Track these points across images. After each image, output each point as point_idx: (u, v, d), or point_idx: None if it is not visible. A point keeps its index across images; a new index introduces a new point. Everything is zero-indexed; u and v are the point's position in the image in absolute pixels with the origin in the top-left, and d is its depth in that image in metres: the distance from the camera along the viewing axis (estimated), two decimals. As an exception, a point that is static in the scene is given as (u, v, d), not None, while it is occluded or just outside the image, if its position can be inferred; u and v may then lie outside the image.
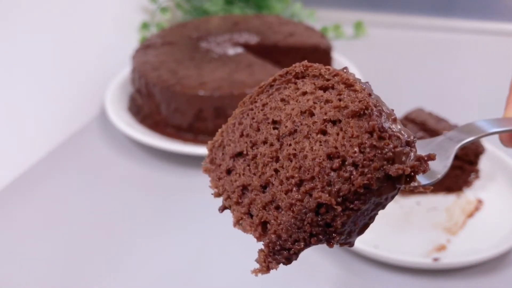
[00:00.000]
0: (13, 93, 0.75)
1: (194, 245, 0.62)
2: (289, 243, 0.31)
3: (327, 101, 0.32)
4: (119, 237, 0.64)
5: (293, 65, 0.36)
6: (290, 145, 0.32)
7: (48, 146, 0.81)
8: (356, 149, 0.29)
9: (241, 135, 0.35)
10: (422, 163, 0.30)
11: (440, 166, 0.35)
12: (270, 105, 0.35)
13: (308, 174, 0.30)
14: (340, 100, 0.32)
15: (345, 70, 0.34)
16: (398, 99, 0.91)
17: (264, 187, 0.32)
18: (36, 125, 0.79)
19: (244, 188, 0.34)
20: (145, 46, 0.89)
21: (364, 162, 0.29)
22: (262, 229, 0.32)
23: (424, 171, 0.30)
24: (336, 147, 0.30)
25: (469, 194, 0.66)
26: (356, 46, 1.12)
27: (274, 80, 0.36)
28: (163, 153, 0.78)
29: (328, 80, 0.34)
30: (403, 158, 0.29)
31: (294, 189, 0.31)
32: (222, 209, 0.35)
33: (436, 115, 0.69)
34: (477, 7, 1.18)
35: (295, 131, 0.33)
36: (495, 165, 0.69)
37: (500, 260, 0.58)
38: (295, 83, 0.35)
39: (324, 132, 0.31)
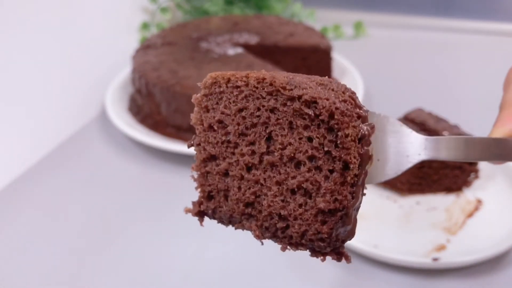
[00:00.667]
0: (13, 93, 0.75)
1: (194, 245, 0.62)
2: (218, 219, 0.36)
3: (317, 169, 0.31)
4: (119, 236, 0.64)
5: (325, 103, 0.30)
6: (265, 172, 0.33)
7: (48, 146, 0.81)
8: (301, 230, 0.32)
9: (239, 112, 0.33)
10: (341, 259, 0.33)
11: (392, 170, 0.33)
12: (277, 116, 0.32)
13: (259, 206, 0.33)
14: (325, 178, 0.31)
15: (364, 137, 0.31)
16: (398, 99, 0.91)
17: (226, 174, 0.34)
18: (36, 125, 0.79)
19: (213, 158, 0.35)
20: (145, 46, 0.89)
21: (296, 242, 0.33)
22: (207, 196, 0.35)
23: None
24: (290, 214, 0.32)
25: (469, 194, 0.66)
26: (356, 46, 1.12)
27: (300, 98, 0.31)
28: (163, 153, 0.78)
29: (336, 146, 0.31)
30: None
31: (242, 204, 0.34)
32: (189, 145, 0.36)
33: (435, 115, 0.69)
34: (477, 7, 1.18)
35: (276, 167, 0.33)
36: (494, 165, 0.69)
37: (499, 259, 0.58)
38: (312, 120, 0.31)
39: (293, 193, 0.32)
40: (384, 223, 0.62)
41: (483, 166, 0.68)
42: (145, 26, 1.07)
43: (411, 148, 0.33)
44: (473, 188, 0.67)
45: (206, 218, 0.36)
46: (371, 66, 0.99)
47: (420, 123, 0.67)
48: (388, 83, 0.98)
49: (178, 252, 0.62)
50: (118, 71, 0.94)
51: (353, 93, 0.33)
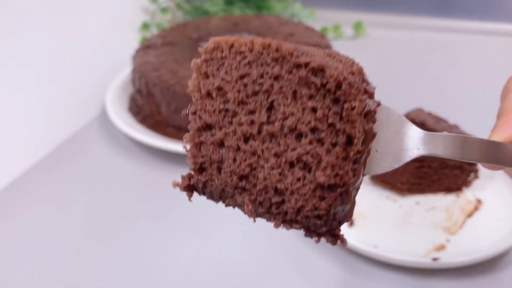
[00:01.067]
0: (13, 93, 0.75)
1: (193, 244, 0.62)
2: (208, 194, 0.33)
3: (318, 141, 0.30)
4: (119, 236, 0.64)
5: (333, 71, 0.29)
6: (263, 143, 0.31)
7: (48, 146, 0.81)
8: (297, 205, 0.30)
9: (241, 78, 0.32)
10: (335, 241, 0.31)
11: (389, 162, 0.32)
12: (281, 84, 0.31)
13: (253, 180, 0.31)
14: (327, 152, 0.29)
15: (370, 113, 0.30)
16: (398, 99, 0.91)
17: (222, 145, 0.32)
18: (36, 125, 0.79)
19: (208, 127, 0.33)
20: (145, 47, 0.89)
21: (291, 219, 0.31)
22: (199, 169, 0.33)
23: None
24: (286, 188, 0.31)
25: (469, 194, 0.66)
26: (356, 46, 1.12)
27: (306, 65, 0.30)
28: (163, 153, 0.78)
29: (341, 118, 0.29)
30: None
31: (237, 177, 0.32)
32: (184, 114, 0.34)
33: (435, 115, 0.69)
34: (477, 7, 1.18)
35: (275, 138, 0.31)
36: (490, 170, 0.69)
37: (499, 259, 0.58)
38: (317, 90, 0.30)
39: (292, 165, 0.31)
40: (384, 223, 0.62)
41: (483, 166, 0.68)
42: (145, 26, 1.07)
43: (410, 142, 0.33)
44: (473, 188, 0.67)
45: (195, 195, 0.35)
46: (370, 66, 0.98)
47: (420, 123, 0.67)
48: (388, 83, 0.97)
49: (178, 252, 0.62)
50: (118, 71, 0.94)
51: (361, 67, 0.31)
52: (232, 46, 0.32)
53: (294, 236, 0.62)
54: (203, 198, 0.35)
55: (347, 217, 0.31)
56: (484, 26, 1.17)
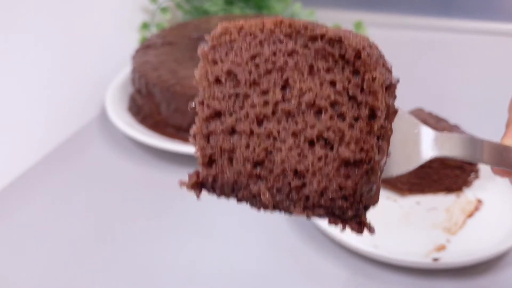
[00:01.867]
0: (12, 93, 0.75)
1: (193, 245, 0.62)
2: (219, 190, 0.31)
3: (339, 116, 0.28)
4: (119, 237, 0.64)
5: (351, 40, 0.28)
6: (278, 123, 0.29)
7: (48, 146, 0.81)
8: (320, 187, 0.28)
9: (252, 59, 0.30)
10: (362, 229, 0.30)
11: (403, 165, 0.32)
12: (296, 59, 0.29)
13: (270, 165, 0.29)
14: (349, 126, 0.28)
15: (391, 87, 0.29)
16: (398, 99, 0.91)
17: (233, 132, 0.31)
18: (36, 125, 0.79)
19: (218, 114, 0.31)
20: (145, 46, 0.89)
21: (313, 203, 0.29)
22: (208, 162, 0.31)
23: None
24: (307, 170, 0.29)
25: (469, 194, 0.66)
26: (356, 46, 1.12)
27: (322, 38, 0.29)
28: (163, 153, 0.78)
29: (362, 90, 0.28)
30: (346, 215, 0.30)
31: (251, 164, 0.30)
32: (191, 107, 0.32)
33: (436, 115, 0.69)
34: (477, 7, 1.18)
35: (292, 117, 0.29)
36: (496, 174, 0.69)
37: (500, 260, 0.58)
38: (335, 62, 0.29)
39: (312, 144, 0.29)
40: (384, 223, 0.62)
41: (484, 166, 0.68)
42: (145, 26, 1.07)
43: (423, 144, 0.32)
44: (473, 188, 0.67)
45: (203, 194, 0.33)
46: (371, 66, 0.99)
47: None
48: (388, 83, 0.97)
49: (178, 252, 0.62)
50: (118, 71, 0.94)
51: (377, 44, 0.30)
52: (241, 28, 0.31)
53: (294, 236, 0.62)
54: (205, 197, 0.33)
55: (374, 200, 0.29)
56: (484, 26, 1.17)
